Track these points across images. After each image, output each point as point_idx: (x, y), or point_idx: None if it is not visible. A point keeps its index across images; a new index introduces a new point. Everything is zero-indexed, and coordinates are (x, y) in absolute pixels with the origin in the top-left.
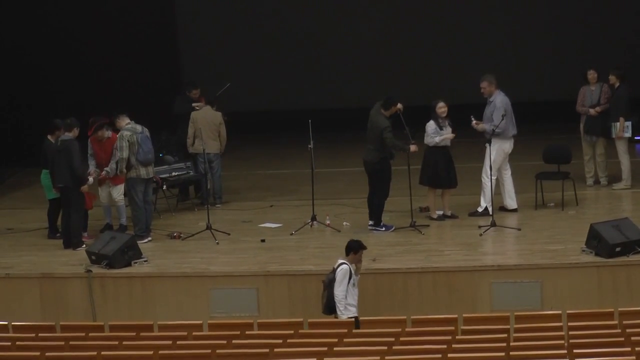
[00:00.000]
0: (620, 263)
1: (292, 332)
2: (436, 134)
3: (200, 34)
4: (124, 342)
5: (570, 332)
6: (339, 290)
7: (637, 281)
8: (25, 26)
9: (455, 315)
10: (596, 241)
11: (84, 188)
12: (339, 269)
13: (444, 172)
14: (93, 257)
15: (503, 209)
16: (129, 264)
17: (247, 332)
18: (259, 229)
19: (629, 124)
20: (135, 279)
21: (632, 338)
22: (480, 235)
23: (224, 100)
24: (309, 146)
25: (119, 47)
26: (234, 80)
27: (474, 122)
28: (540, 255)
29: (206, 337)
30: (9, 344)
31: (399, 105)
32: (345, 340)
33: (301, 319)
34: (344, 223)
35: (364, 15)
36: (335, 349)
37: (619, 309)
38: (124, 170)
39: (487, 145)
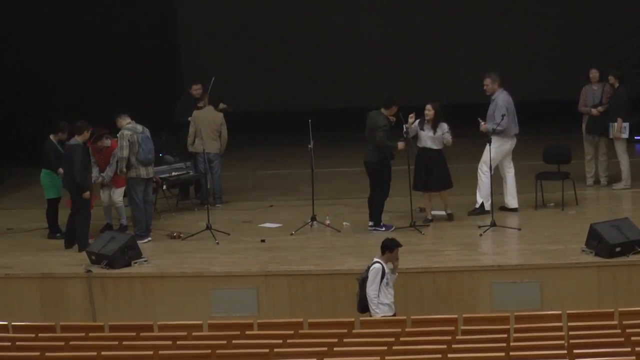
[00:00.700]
0: (620, 263)
1: (292, 332)
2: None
3: (200, 34)
4: (124, 342)
5: (570, 332)
6: (370, 289)
7: (637, 281)
8: (26, 26)
9: (455, 315)
10: (596, 241)
11: (86, 195)
12: (371, 268)
13: (420, 175)
14: (93, 257)
15: (504, 208)
16: (128, 264)
17: (247, 332)
18: (259, 229)
19: (626, 125)
20: (135, 279)
21: (632, 338)
22: (480, 235)
23: (224, 95)
24: (309, 146)
25: (119, 48)
26: (234, 80)
27: (482, 123)
28: (540, 255)
29: (206, 337)
30: (9, 344)
31: (411, 116)
32: (345, 340)
33: (301, 319)
34: (344, 223)
35: (364, 15)
36: (335, 349)
37: (619, 309)
38: (124, 170)
39: (487, 144)
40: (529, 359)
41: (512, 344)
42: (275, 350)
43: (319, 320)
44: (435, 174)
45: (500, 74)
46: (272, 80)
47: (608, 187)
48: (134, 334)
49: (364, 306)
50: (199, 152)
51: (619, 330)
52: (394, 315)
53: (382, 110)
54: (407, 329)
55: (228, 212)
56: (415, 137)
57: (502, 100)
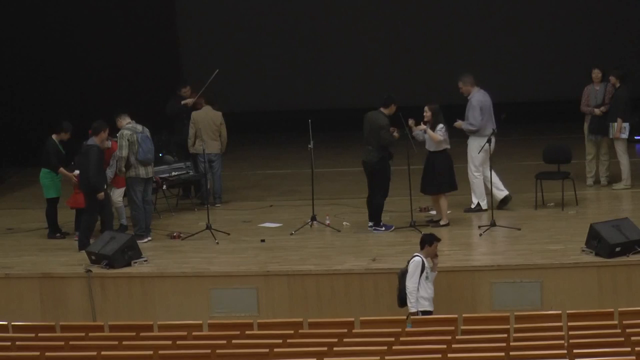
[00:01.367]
0: (620, 263)
1: (292, 332)
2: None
3: (200, 34)
4: (124, 342)
5: (570, 332)
6: (410, 283)
7: (637, 281)
8: (25, 25)
9: (455, 315)
10: (596, 241)
11: (100, 196)
12: (411, 261)
13: (422, 177)
14: (93, 257)
15: (500, 207)
16: (128, 264)
17: (247, 332)
18: (259, 229)
19: (626, 125)
20: (135, 279)
21: (632, 338)
22: (480, 235)
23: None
24: (309, 146)
25: (119, 47)
26: (234, 80)
27: (457, 121)
28: (540, 255)
29: (206, 337)
30: (9, 344)
31: (410, 121)
32: (345, 340)
33: (301, 319)
34: (344, 223)
35: (364, 15)
36: (335, 349)
37: (619, 309)
38: (123, 169)
39: (487, 143)
40: (529, 359)
41: (512, 344)
42: (275, 350)
43: (318, 320)
44: (433, 176)
45: (501, 74)
46: (272, 80)
47: (608, 187)
48: (134, 333)
49: (403, 300)
50: (199, 153)
51: (618, 330)
52: (432, 312)
53: (382, 109)
54: (407, 329)
55: (228, 212)
56: (415, 138)
57: (476, 100)
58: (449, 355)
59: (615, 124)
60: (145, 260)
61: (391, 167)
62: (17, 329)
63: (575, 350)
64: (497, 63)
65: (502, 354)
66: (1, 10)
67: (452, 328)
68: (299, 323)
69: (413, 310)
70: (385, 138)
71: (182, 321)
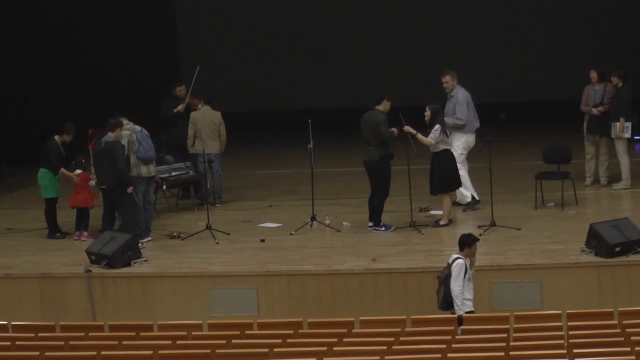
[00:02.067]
0: (620, 263)
1: (291, 332)
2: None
3: (200, 33)
4: (124, 342)
5: (570, 332)
6: (455, 285)
7: (636, 281)
8: (25, 25)
9: (455, 315)
10: (596, 241)
11: (130, 189)
12: (454, 264)
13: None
14: (93, 257)
15: (464, 209)
16: (128, 264)
17: (246, 332)
18: (259, 229)
19: (629, 124)
20: (135, 279)
21: (632, 338)
22: (480, 235)
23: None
24: (309, 146)
25: (119, 47)
26: (234, 80)
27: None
28: (540, 255)
29: (206, 337)
30: (9, 344)
31: (406, 127)
32: (344, 340)
33: (301, 319)
34: (344, 223)
35: (364, 15)
36: (334, 349)
37: (619, 309)
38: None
39: (487, 144)
40: (529, 359)
41: (511, 343)
42: (275, 350)
43: (318, 320)
44: (437, 177)
45: (501, 74)
46: (272, 80)
47: (608, 187)
48: (134, 333)
49: (448, 303)
50: (199, 153)
51: (618, 330)
52: (474, 311)
53: (377, 107)
54: (406, 329)
55: (228, 212)
56: (415, 138)
57: (462, 95)
58: (449, 355)
59: (618, 123)
60: (145, 260)
61: (392, 167)
62: (17, 329)
63: (575, 350)
64: (497, 63)
65: (502, 354)
66: (2, 10)
67: (452, 328)
68: (299, 323)
69: (460, 313)
70: (385, 132)
71: (182, 321)
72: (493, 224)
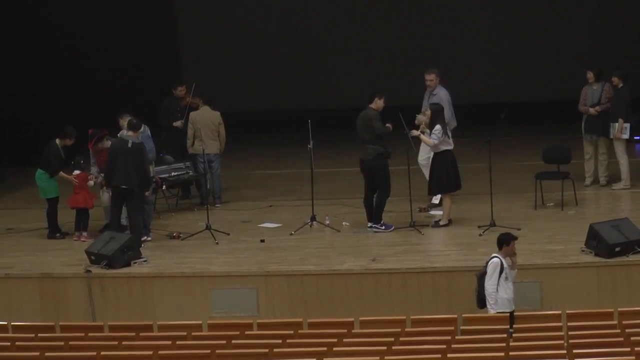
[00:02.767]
0: (620, 263)
1: (291, 332)
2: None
3: (200, 34)
4: (124, 342)
5: (570, 332)
6: (489, 284)
7: (636, 281)
8: (25, 26)
9: (455, 315)
10: (596, 241)
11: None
12: (490, 262)
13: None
14: (92, 257)
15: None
16: (128, 264)
17: (246, 332)
18: (259, 229)
19: (627, 125)
20: (135, 279)
21: (632, 338)
22: (480, 235)
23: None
24: (309, 146)
25: (119, 48)
26: (234, 80)
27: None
28: (540, 255)
29: (206, 337)
30: (9, 344)
31: (388, 125)
32: (344, 340)
33: (301, 319)
34: (344, 223)
35: (364, 15)
36: (334, 349)
37: (619, 309)
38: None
39: (487, 143)
40: (529, 359)
41: (512, 344)
42: (275, 350)
43: (318, 320)
44: (436, 177)
45: (501, 74)
46: (272, 80)
47: (607, 187)
48: (134, 334)
49: (482, 301)
50: (198, 153)
51: (618, 330)
52: (513, 311)
53: (370, 106)
54: (406, 329)
55: (228, 212)
56: (416, 139)
57: (445, 94)
58: (449, 355)
59: (617, 124)
60: (144, 261)
61: (390, 167)
62: (17, 329)
63: (575, 350)
64: (497, 63)
65: (502, 354)
66: (2, 10)
67: (452, 328)
68: (299, 323)
69: (492, 312)
70: (378, 127)
71: (182, 321)
72: (493, 224)
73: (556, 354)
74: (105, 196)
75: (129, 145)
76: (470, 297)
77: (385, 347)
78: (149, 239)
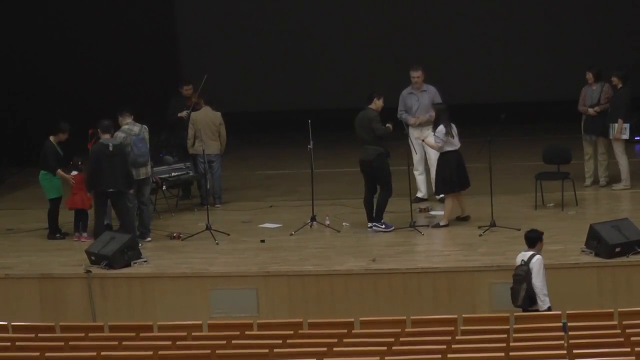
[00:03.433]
0: (620, 263)
1: (291, 332)
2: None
3: (200, 34)
4: (124, 343)
5: (570, 332)
6: (538, 281)
7: (636, 281)
8: (25, 26)
9: (455, 316)
10: (596, 241)
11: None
12: (534, 260)
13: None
14: (93, 258)
15: (419, 200)
16: (128, 265)
17: (246, 333)
18: (259, 229)
19: (627, 125)
20: (135, 279)
21: (632, 338)
22: (480, 235)
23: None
24: (309, 146)
25: (119, 48)
26: (234, 80)
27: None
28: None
29: (206, 338)
30: (9, 344)
31: (389, 125)
32: (344, 340)
33: (301, 319)
34: (344, 223)
35: (364, 15)
36: (334, 349)
37: (619, 310)
38: None
39: (487, 143)
40: (529, 359)
41: (511, 344)
42: (275, 350)
43: (318, 321)
44: (439, 177)
45: (501, 74)
46: (272, 80)
47: (607, 187)
48: (134, 334)
49: (531, 300)
50: (199, 153)
51: (618, 331)
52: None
53: (369, 107)
54: (406, 329)
55: (228, 212)
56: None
57: (434, 91)
58: (449, 355)
59: (616, 124)
60: (145, 261)
61: (389, 167)
62: (17, 329)
63: (575, 351)
64: (497, 63)
65: (502, 354)
66: (2, 11)
67: (452, 328)
68: (299, 323)
69: (545, 307)
70: (379, 128)
71: (182, 321)
72: (493, 224)
73: (556, 354)
74: None
75: (110, 148)
76: (470, 297)
77: (385, 347)
78: (149, 239)
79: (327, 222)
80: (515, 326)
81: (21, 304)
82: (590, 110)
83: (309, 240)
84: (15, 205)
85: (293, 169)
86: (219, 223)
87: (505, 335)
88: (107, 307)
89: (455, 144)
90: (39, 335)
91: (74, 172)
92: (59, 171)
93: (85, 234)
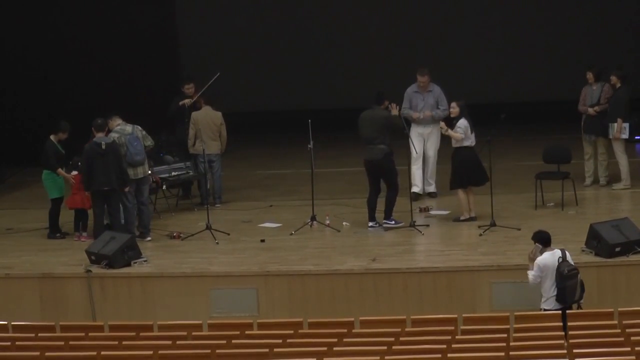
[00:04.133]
0: (620, 263)
1: (291, 332)
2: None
3: (200, 34)
4: (124, 342)
5: (570, 332)
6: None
7: (636, 281)
8: (26, 26)
9: (455, 315)
10: (596, 241)
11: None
12: (567, 255)
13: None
14: (93, 257)
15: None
16: (128, 264)
17: (246, 332)
18: (259, 229)
19: (626, 125)
20: (135, 279)
21: (632, 338)
22: (480, 235)
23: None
24: (309, 146)
25: (119, 48)
26: (234, 80)
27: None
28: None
29: (206, 337)
30: (9, 344)
31: (394, 110)
32: (344, 340)
33: (301, 319)
34: (344, 223)
35: (364, 15)
36: (335, 349)
37: (619, 309)
38: None
39: (488, 142)
40: (529, 359)
41: (512, 344)
42: (275, 350)
43: (318, 320)
44: (453, 172)
45: (501, 74)
46: (272, 80)
47: (607, 187)
48: (134, 333)
49: (582, 290)
50: (199, 153)
51: (618, 330)
52: None
53: (377, 106)
54: (406, 329)
55: (228, 212)
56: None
57: (438, 91)
58: (449, 355)
59: (615, 124)
60: (145, 261)
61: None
62: (17, 329)
63: (575, 350)
64: (497, 63)
65: (502, 354)
66: (3, 11)
67: (452, 328)
68: (299, 323)
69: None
70: (397, 124)
71: (182, 321)
72: (493, 224)
73: (556, 354)
74: None
75: (103, 147)
76: (470, 296)
77: (385, 347)
78: (149, 238)
79: (327, 222)
80: (515, 326)
81: (21, 303)
82: (590, 110)
83: (309, 240)
84: (15, 205)
85: (293, 169)
86: (219, 223)
87: (505, 335)
88: (107, 307)
89: (472, 140)
90: (39, 335)
91: (74, 172)
92: (60, 170)
93: (85, 234)
